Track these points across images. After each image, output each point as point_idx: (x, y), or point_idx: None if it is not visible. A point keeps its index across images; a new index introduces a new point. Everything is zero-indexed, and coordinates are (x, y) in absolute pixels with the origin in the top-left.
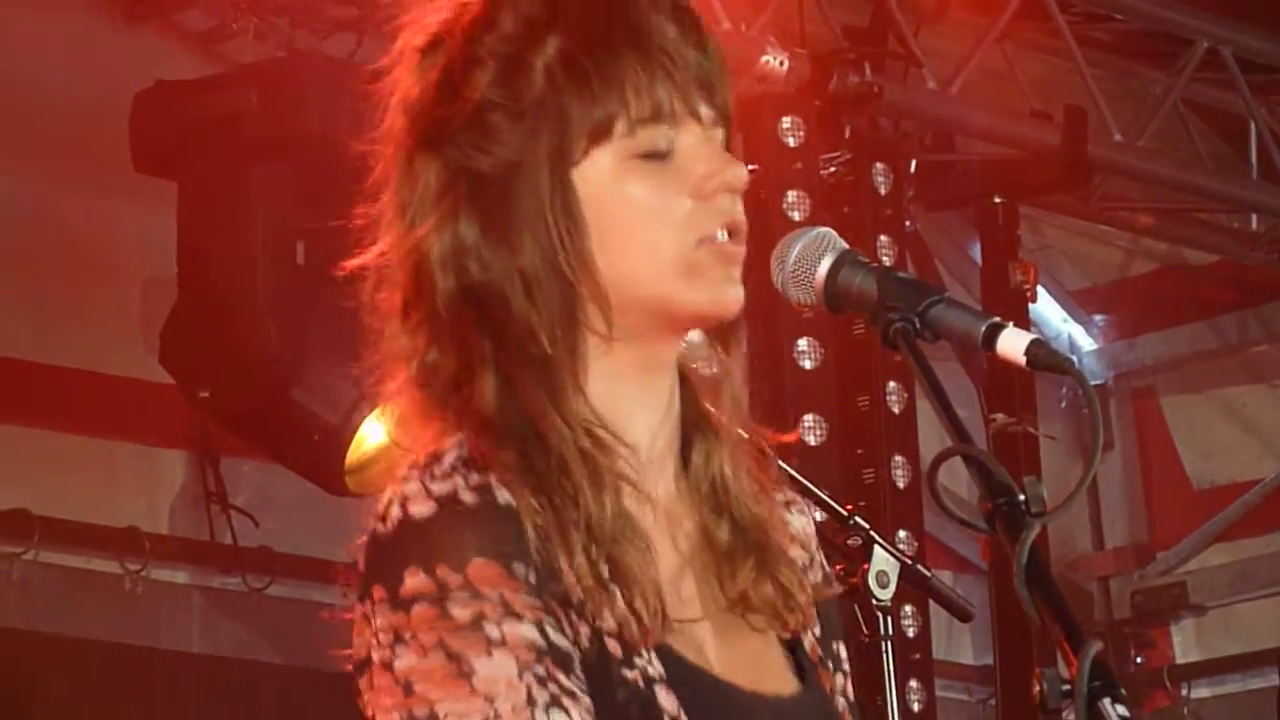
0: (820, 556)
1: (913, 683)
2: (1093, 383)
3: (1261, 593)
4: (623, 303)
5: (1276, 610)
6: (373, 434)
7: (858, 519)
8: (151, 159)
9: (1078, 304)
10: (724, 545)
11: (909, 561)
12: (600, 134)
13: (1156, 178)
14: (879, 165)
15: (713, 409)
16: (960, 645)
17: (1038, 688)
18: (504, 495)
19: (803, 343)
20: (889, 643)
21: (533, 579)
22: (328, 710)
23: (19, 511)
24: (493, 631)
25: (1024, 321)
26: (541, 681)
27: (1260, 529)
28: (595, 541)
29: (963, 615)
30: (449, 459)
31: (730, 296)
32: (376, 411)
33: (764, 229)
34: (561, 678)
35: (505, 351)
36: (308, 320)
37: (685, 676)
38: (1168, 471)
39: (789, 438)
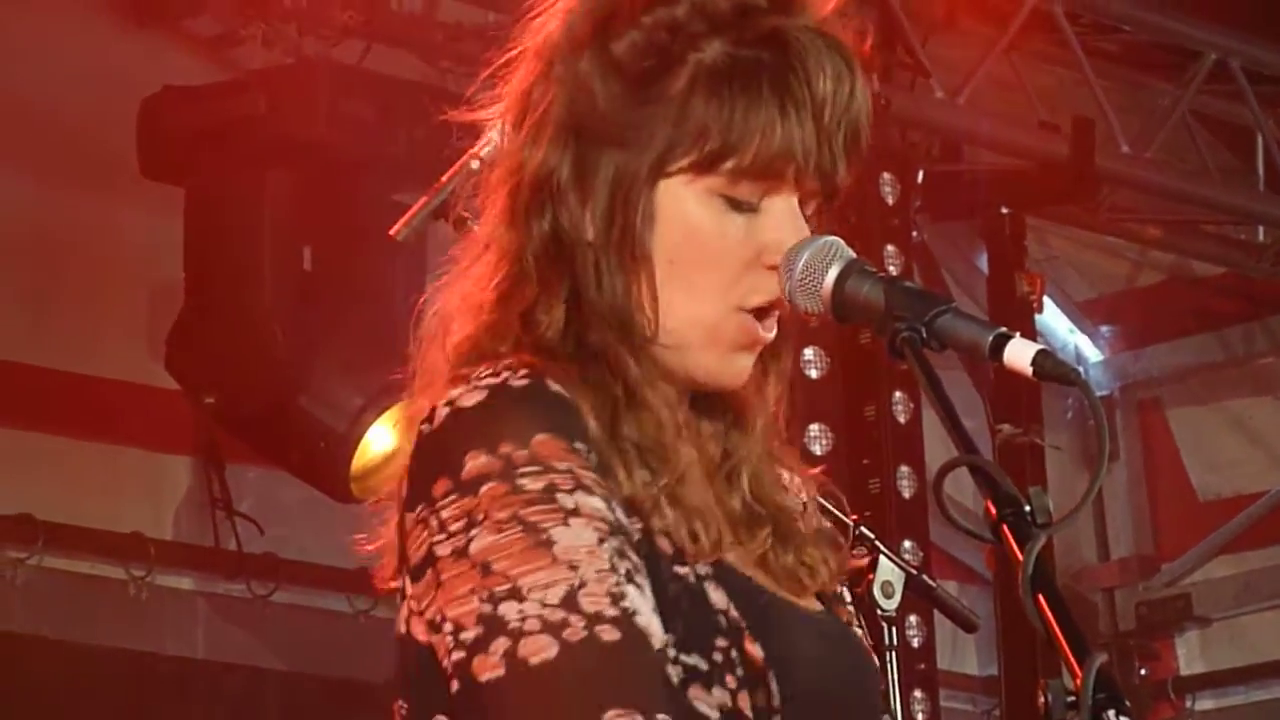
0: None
1: (917, 693)
2: (1098, 394)
3: (1266, 605)
4: (661, 325)
5: None
6: (378, 440)
7: (863, 529)
8: (159, 164)
9: (1084, 315)
10: (738, 513)
11: (914, 572)
12: (706, 166)
13: (1164, 189)
14: (886, 175)
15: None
16: (965, 656)
17: (1043, 699)
18: (556, 386)
19: (809, 352)
20: (894, 653)
21: (593, 459)
22: (331, 716)
23: (23, 516)
24: (566, 501)
25: (1030, 332)
26: (619, 554)
27: (1265, 541)
28: (651, 468)
29: (968, 626)
30: (496, 366)
31: (734, 371)
32: (383, 417)
33: None
34: (632, 555)
35: (582, 300)
36: (314, 326)
37: (732, 578)
38: (1173, 483)
39: (815, 471)
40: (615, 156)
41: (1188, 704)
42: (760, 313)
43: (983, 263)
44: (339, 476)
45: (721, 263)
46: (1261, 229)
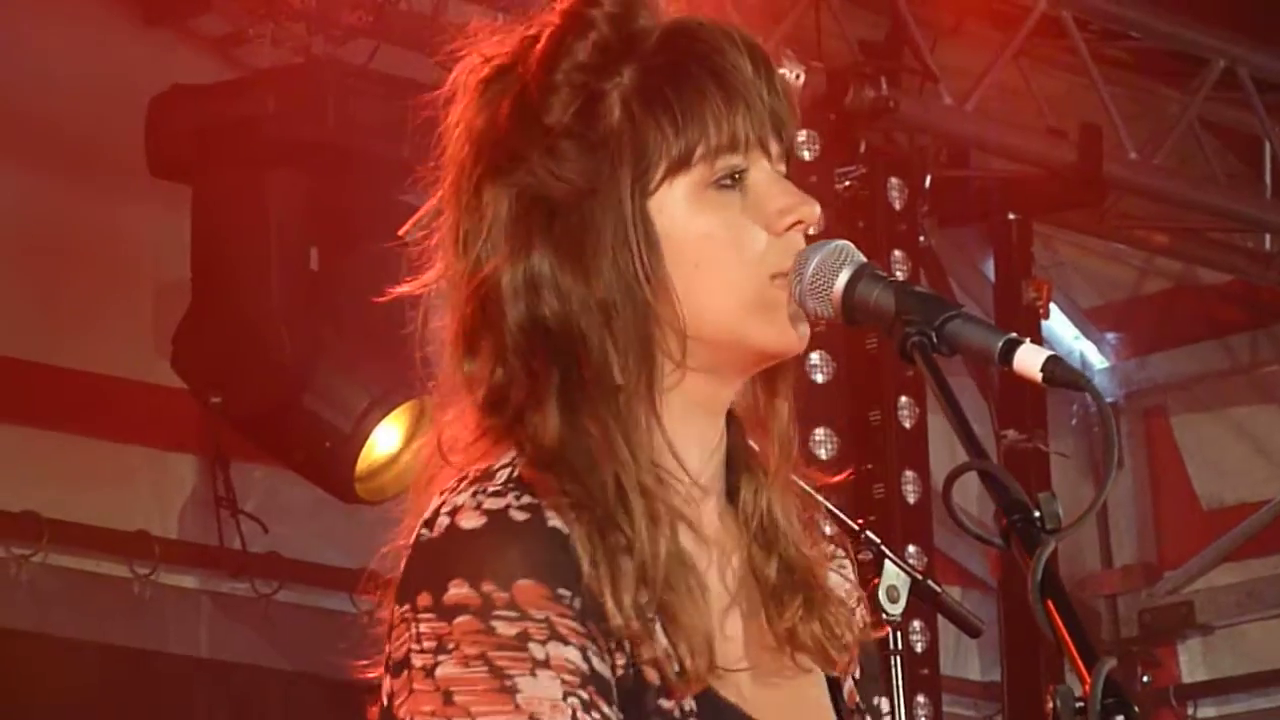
0: (861, 610)
1: (920, 698)
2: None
3: (1269, 613)
4: (696, 335)
5: None
6: (383, 441)
7: (868, 533)
8: (166, 163)
9: (1090, 322)
10: (771, 583)
11: (919, 576)
12: (680, 163)
13: (1171, 196)
14: (894, 180)
15: (757, 448)
16: (968, 661)
17: (1051, 704)
18: (555, 519)
19: (814, 356)
20: (898, 658)
21: (578, 605)
22: (334, 717)
23: (28, 514)
24: (537, 651)
25: (1036, 339)
26: (586, 707)
27: (1268, 549)
28: (646, 583)
29: (973, 631)
30: (501, 476)
31: (799, 334)
32: (389, 418)
33: None
34: (604, 706)
35: (576, 383)
36: (320, 326)
37: (718, 712)
38: (1177, 491)
39: (837, 479)
40: (594, 207)
41: (1190, 711)
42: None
43: (989, 269)
44: (344, 476)
45: (741, 241)
46: (1268, 237)
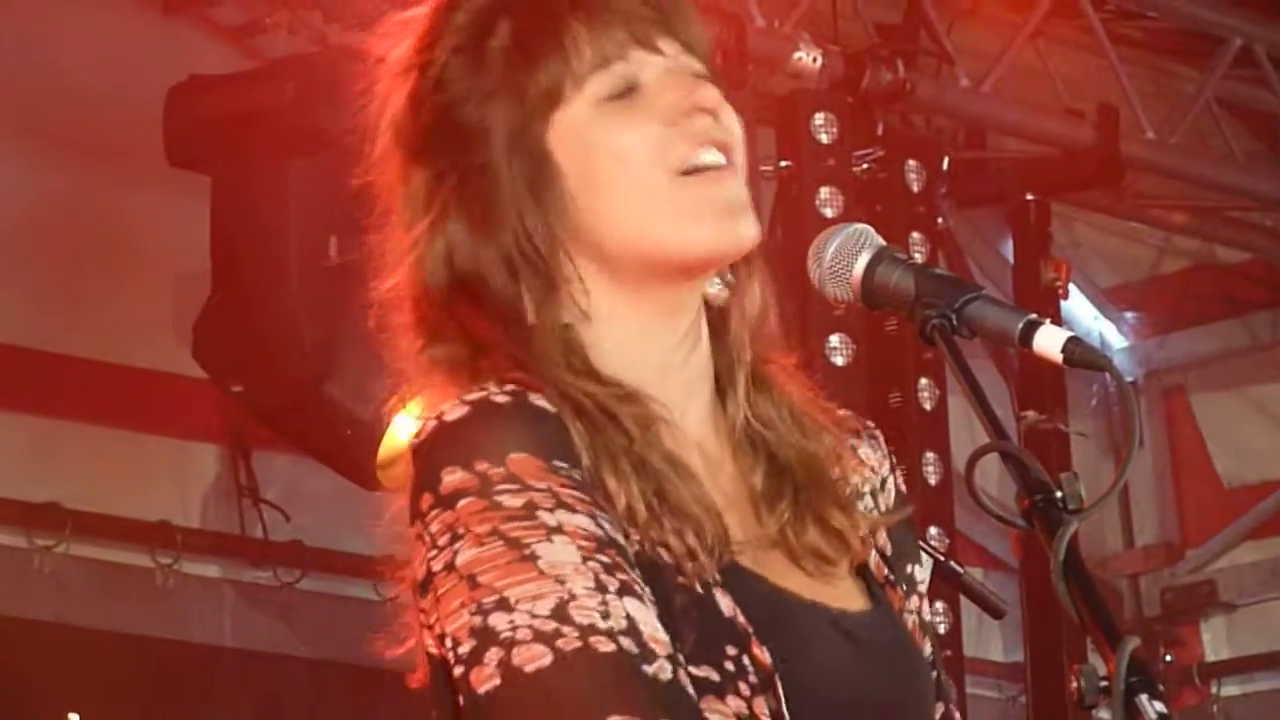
0: (895, 478)
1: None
2: None
3: None
4: (624, 256)
5: None
6: (405, 429)
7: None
8: (185, 153)
9: (1109, 301)
10: (759, 488)
11: (942, 558)
12: (552, 97)
13: (1188, 175)
14: (911, 162)
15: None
16: (990, 642)
17: (1075, 683)
18: (539, 400)
19: (834, 339)
20: None
21: (578, 476)
22: (358, 704)
23: (51, 505)
24: (548, 519)
25: (1055, 319)
26: (608, 569)
27: None
28: (640, 473)
29: (995, 612)
30: (486, 384)
31: (735, 233)
32: (407, 407)
33: (796, 225)
34: (627, 569)
35: (506, 330)
36: (340, 315)
37: (741, 581)
38: (1198, 469)
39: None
40: (488, 164)
41: (1213, 690)
42: (707, 167)
43: (1008, 250)
44: (365, 464)
45: (635, 145)
46: None
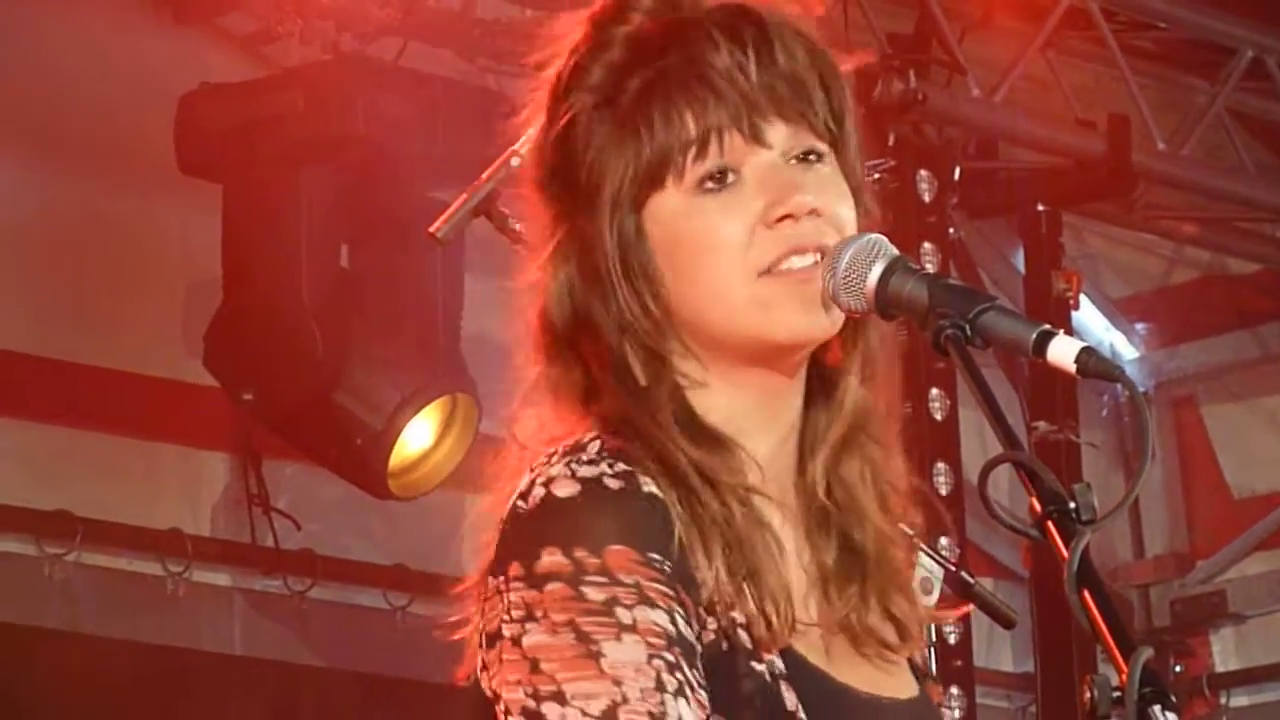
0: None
1: (953, 689)
2: None
3: None
4: (709, 339)
5: None
6: (415, 438)
7: (901, 526)
8: (196, 161)
9: (1120, 312)
10: (830, 569)
11: (953, 568)
12: (652, 176)
13: (1200, 186)
14: (923, 172)
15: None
16: (1000, 652)
17: (1088, 694)
18: (649, 485)
19: None
20: (932, 650)
21: (668, 569)
22: (368, 713)
23: (61, 513)
24: (624, 616)
25: (1067, 330)
26: (671, 668)
27: None
28: (732, 544)
29: (1006, 622)
30: (592, 448)
31: (807, 324)
32: (421, 414)
33: None
34: (686, 668)
35: (618, 381)
36: (352, 323)
37: (806, 676)
38: (1208, 480)
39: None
40: (591, 229)
41: (1222, 700)
42: (794, 270)
43: (1019, 260)
44: (376, 473)
45: (718, 243)
46: None
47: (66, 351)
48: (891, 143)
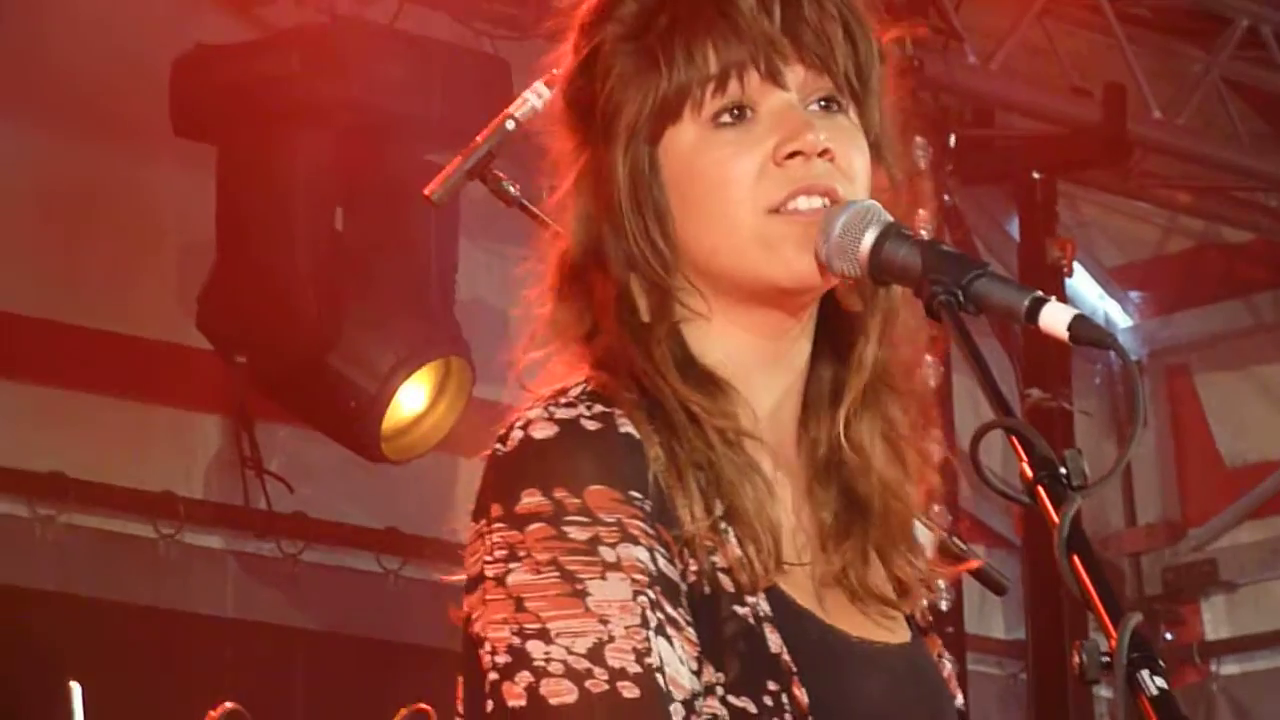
0: (930, 519)
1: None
2: None
3: None
4: (715, 277)
5: None
6: (409, 400)
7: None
8: (191, 123)
9: (1114, 280)
10: (828, 523)
11: (945, 535)
12: (670, 109)
13: (1195, 155)
14: (918, 139)
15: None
16: (992, 619)
17: (1077, 658)
18: (626, 425)
19: None
20: None
21: (648, 507)
22: (360, 675)
23: (54, 474)
24: (608, 554)
25: (1060, 297)
26: (653, 605)
27: None
28: (713, 484)
29: (998, 589)
30: (574, 391)
31: (808, 267)
32: (414, 377)
33: None
34: (668, 606)
35: (618, 317)
36: (346, 286)
37: (792, 617)
38: (1200, 449)
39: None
40: (608, 160)
41: (1213, 668)
42: (801, 211)
43: (1014, 228)
44: (369, 436)
45: (729, 177)
46: None
47: (60, 313)
48: None
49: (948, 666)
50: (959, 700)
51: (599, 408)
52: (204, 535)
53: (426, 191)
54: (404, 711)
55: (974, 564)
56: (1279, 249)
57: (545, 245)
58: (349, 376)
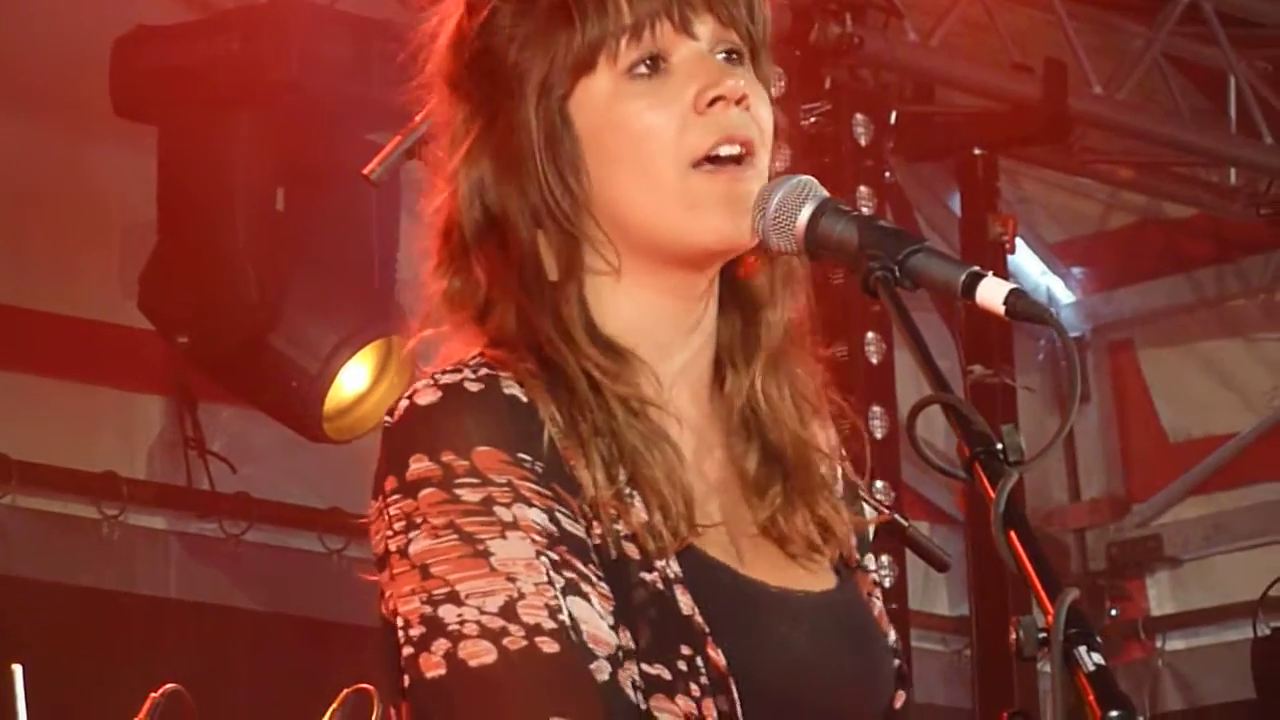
0: (845, 467)
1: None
2: (1070, 335)
3: (1236, 545)
4: (631, 234)
5: (1251, 563)
6: (351, 380)
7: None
8: (132, 103)
9: (1056, 257)
10: (751, 474)
11: (887, 511)
12: (584, 61)
13: (1136, 131)
14: (859, 116)
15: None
16: (936, 596)
17: (1014, 635)
18: (512, 388)
19: None
20: None
21: (539, 469)
22: (303, 656)
23: None
24: (504, 514)
25: (1002, 274)
26: (557, 566)
27: (1235, 482)
28: (616, 452)
29: (940, 565)
30: (464, 362)
31: (731, 229)
32: (356, 357)
33: None
34: (578, 564)
35: (521, 280)
36: (287, 266)
37: (705, 574)
38: (1144, 424)
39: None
40: (515, 115)
41: (1158, 644)
42: (722, 160)
43: (955, 204)
44: (311, 416)
45: (652, 129)
46: (1233, 171)
47: (1, 294)
48: (828, 86)
49: (878, 605)
50: (891, 638)
51: (485, 371)
52: (147, 516)
53: (365, 171)
54: (347, 691)
55: (916, 541)
56: (1221, 224)
57: (431, 220)
58: (290, 356)
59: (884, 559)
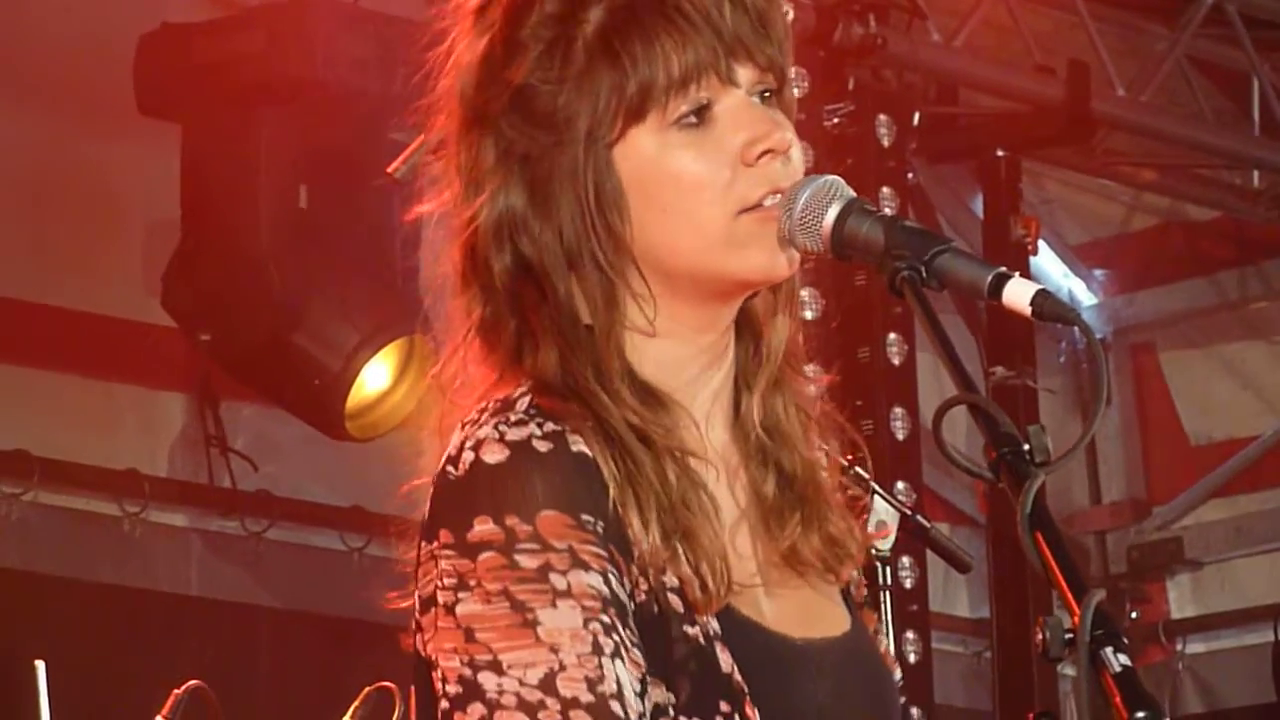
0: (846, 478)
1: (909, 634)
2: None
3: (1257, 549)
4: (671, 274)
5: (1272, 566)
6: (373, 378)
7: (857, 469)
8: (156, 101)
9: (1078, 258)
10: (770, 500)
11: (909, 512)
12: (635, 109)
13: (1159, 133)
14: (882, 117)
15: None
16: (956, 598)
17: (1041, 635)
18: (579, 445)
19: (803, 293)
20: (887, 593)
21: (600, 529)
22: (324, 653)
23: (19, 452)
24: (558, 582)
25: (1025, 275)
26: (607, 630)
27: (1257, 485)
28: (665, 507)
29: (961, 566)
30: (521, 405)
31: (773, 264)
32: (378, 355)
33: None
34: (621, 629)
35: (559, 325)
36: (310, 264)
37: (741, 632)
38: (1165, 427)
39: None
40: (557, 158)
41: (1178, 647)
42: (765, 210)
43: (978, 206)
44: (333, 414)
45: (702, 181)
46: (1256, 173)
47: (25, 291)
48: (851, 87)
49: (883, 642)
50: (897, 674)
51: (550, 426)
52: (168, 513)
53: (389, 169)
54: (368, 689)
55: (937, 542)
56: (1243, 226)
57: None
58: (313, 354)
59: (905, 560)
